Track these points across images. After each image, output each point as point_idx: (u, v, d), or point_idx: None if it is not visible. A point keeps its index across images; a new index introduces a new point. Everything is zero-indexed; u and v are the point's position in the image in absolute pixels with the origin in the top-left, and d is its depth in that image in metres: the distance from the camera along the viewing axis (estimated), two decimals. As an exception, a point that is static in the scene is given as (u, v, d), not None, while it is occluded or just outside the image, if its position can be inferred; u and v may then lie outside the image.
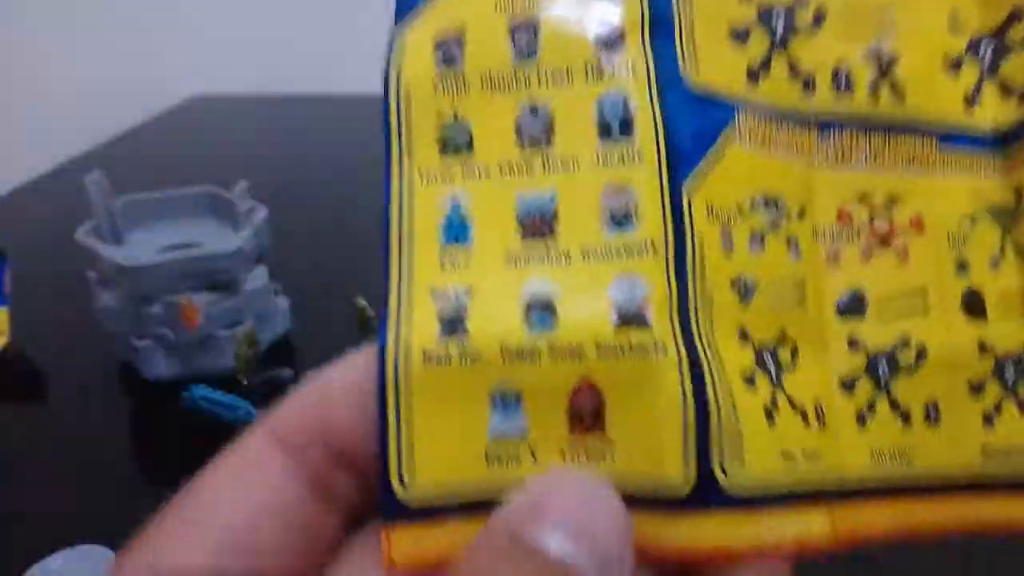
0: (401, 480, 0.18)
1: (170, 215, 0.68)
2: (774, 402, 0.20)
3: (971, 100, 0.23)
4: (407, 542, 0.18)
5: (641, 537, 0.18)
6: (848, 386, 0.21)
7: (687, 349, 0.19)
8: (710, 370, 0.19)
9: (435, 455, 0.18)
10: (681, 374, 0.18)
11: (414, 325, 0.19)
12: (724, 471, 0.18)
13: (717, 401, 0.18)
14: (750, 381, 0.19)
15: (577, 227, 0.20)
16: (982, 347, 0.21)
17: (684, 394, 0.18)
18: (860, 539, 0.20)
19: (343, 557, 0.19)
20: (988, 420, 0.21)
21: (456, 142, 0.20)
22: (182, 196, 0.69)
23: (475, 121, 0.21)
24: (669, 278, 0.19)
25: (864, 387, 0.21)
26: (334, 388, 0.19)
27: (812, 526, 0.19)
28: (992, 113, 0.23)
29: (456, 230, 0.20)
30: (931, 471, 0.20)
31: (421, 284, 0.19)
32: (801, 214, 0.21)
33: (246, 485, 0.18)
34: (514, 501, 0.17)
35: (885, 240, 0.22)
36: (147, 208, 0.68)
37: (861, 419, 0.21)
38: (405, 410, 0.18)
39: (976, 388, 0.21)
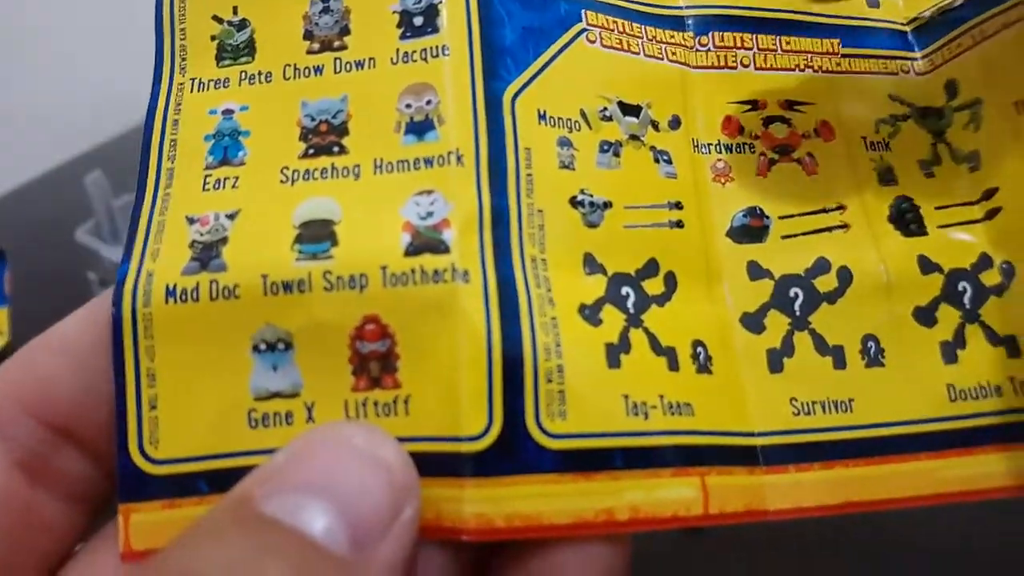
0: (142, 449, 0.15)
1: (170, 214, 0.68)
2: (624, 340, 0.16)
3: None
4: (150, 524, 0.15)
5: (431, 511, 0.14)
6: (753, 322, 0.17)
7: (499, 275, 0.15)
8: (529, 299, 0.15)
9: (185, 417, 0.15)
10: (487, 304, 0.14)
11: (161, 256, 0.15)
12: (540, 424, 0.14)
13: (534, 337, 0.15)
14: (592, 315, 0.16)
15: (370, 136, 0.16)
16: (925, 264, 0.17)
17: (489, 328, 0.14)
18: (775, 515, 0.16)
19: (80, 552, 0.15)
20: (950, 353, 0.17)
21: (235, 46, 0.17)
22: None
23: (258, 21, 0.17)
24: (480, 193, 0.15)
25: (776, 322, 0.17)
26: (48, 349, 0.15)
27: (669, 496, 0.15)
28: (897, 7, 0.19)
29: (227, 146, 0.16)
30: (879, 423, 0.16)
31: (177, 209, 0.16)
32: (675, 124, 0.18)
33: None
34: (260, 467, 0.14)
35: (785, 149, 0.18)
36: (147, 208, 0.68)
37: (775, 361, 0.17)
38: (146, 360, 0.15)
39: (925, 314, 0.17)
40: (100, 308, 0.15)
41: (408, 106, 0.16)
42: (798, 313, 0.17)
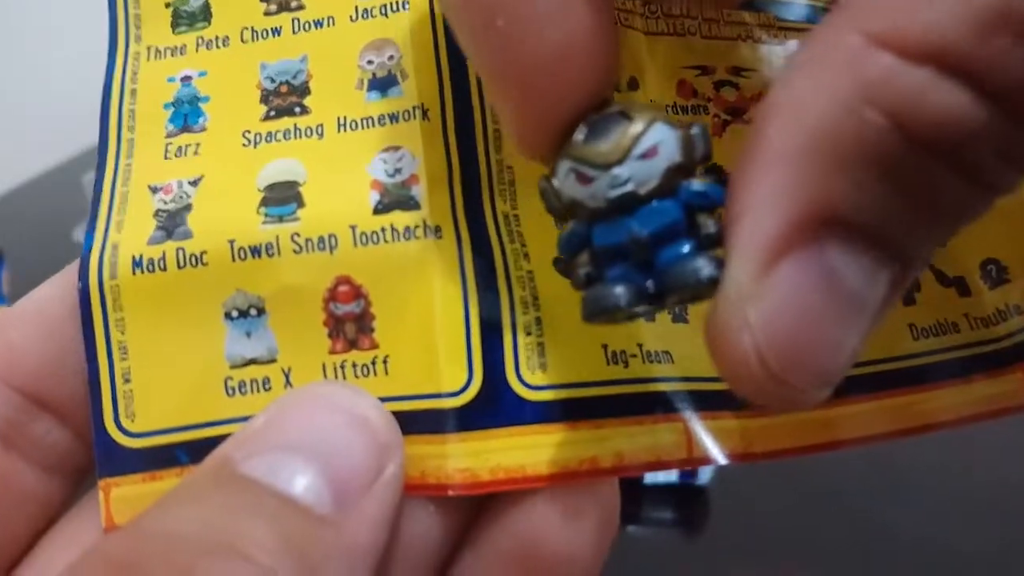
0: (118, 423, 0.14)
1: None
2: None
3: None
4: (131, 498, 0.14)
5: (415, 469, 0.14)
6: None
7: (472, 231, 0.15)
8: (503, 253, 0.15)
9: (160, 388, 0.14)
10: (461, 260, 0.14)
11: (125, 227, 0.15)
12: (520, 376, 0.14)
13: (510, 290, 0.14)
14: (566, 268, 0.15)
15: (332, 95, 0.16)
16: None
17: (465, 284, 0.14)
18: (760, 456, 0.15)
19: (61, 521, 0.15)
20: (908, 296, 0.17)
21: (190, 12, 0.17)
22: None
23: None
24: (448, 147, 0.15)
25: None
26: (19, 317, 0.15)
27: (652, 442, 0.15)
28: None
29: (187, 113, 0.16)
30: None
31: (140, 179, 0.16)
32: (633, 85, 0.18)
33: None
34: (239, 431, 0.13)
35: (736, 111, 0.18)
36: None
37: None
38: (116, 333, 0.15)
39: None
40: (71, 277, 0.15)
41: (370, 62, 0.16)
42: None
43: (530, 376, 0.14)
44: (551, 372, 0.14)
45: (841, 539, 0.36)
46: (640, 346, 0.15)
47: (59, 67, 0.86)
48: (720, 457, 0.15)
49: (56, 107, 0.83)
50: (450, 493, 0.14)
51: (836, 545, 0.36)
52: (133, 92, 0.16)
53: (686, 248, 0.12)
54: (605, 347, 0.15)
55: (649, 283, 0.12)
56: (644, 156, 0.12)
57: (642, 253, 0.12)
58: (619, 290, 0.12)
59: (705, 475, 0.38)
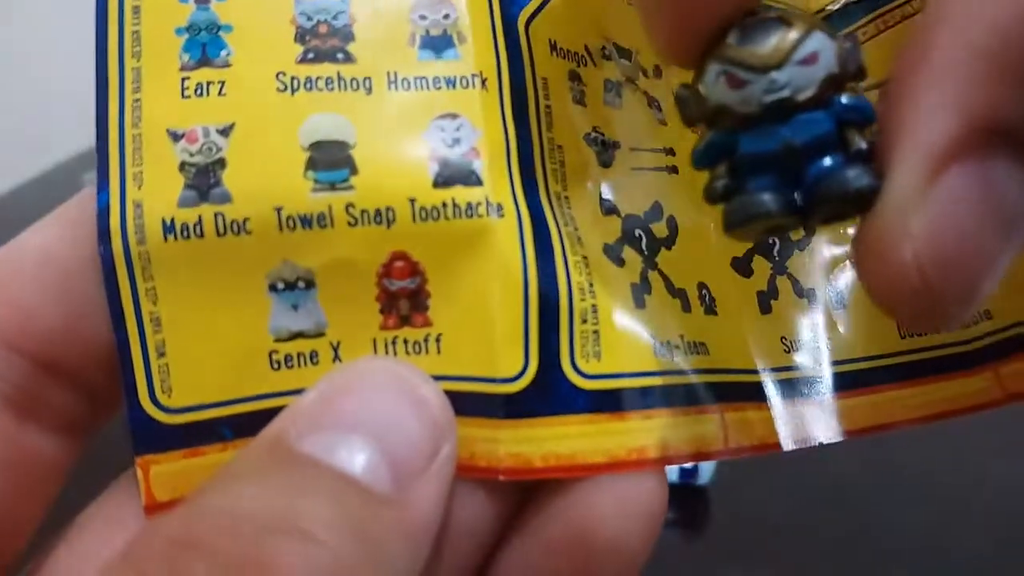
0: (154, 399, 0.13)
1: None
2: (645, 281, 0.15)
3: None
4: (172, 474, 0.13)
5: (465, 451, 0.13)
6: (742, 265, 0.17)
7: (531, 209, 0.14)
8: (560, 235, 0.14)
9: (198, 362, 0.13)
10: (522, 241, 0.14)
11: (147, 181, 0.13)
12: (575, 364, 0.14)
13: (568, 275, 0.14)
14: (614, 254, 0.15)
15: (379, 46, 0.14)
16: None
17: (525, 266, 0.13)
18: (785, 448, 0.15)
19: (95, 504, 0.14)
20: None
21: None
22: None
23: None
24: (505, 121, 0.14)
25: (760, 266, 0.17)
26: (24, 274, 0.14)
27: (695, 433, 0.14)
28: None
29: (206, 43, 0.14)
30: (853, 359, 0.17)
31: (154, 120, 0.13)
32: (658, 72, 0.17)
33: None
34: (291, 405, 0.13)
35: None
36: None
37: (765, 304, 0.16)
38: (147, 304, 0.13)
39: None
40: (75, 221, 0.14)
41: (423, 18, 0.14)
42: (777, 258, 0.17)
43: (585, 364, 0.14)
44: (605, 361, 0.14)
45: (841, 539, 0.36)
46: (682, 337, 0.15)
47: (59, 67, 0.86)
48: (752, 448, 0.15)
49: (56, 107, 0.82)
50: (501, 477, 0.13)
51: (836, 545, 0.36)
52: (136, 10, 0.14)
53: (838, 160, 0.12)
54: (653, 337, 0.14)
55: (796, 195, 0.12)
56: (804, 62, 0.12)
57: (792, 163, 0.12)
58: (767, 197, 0.12)
59: (705, 475, 0.38)
